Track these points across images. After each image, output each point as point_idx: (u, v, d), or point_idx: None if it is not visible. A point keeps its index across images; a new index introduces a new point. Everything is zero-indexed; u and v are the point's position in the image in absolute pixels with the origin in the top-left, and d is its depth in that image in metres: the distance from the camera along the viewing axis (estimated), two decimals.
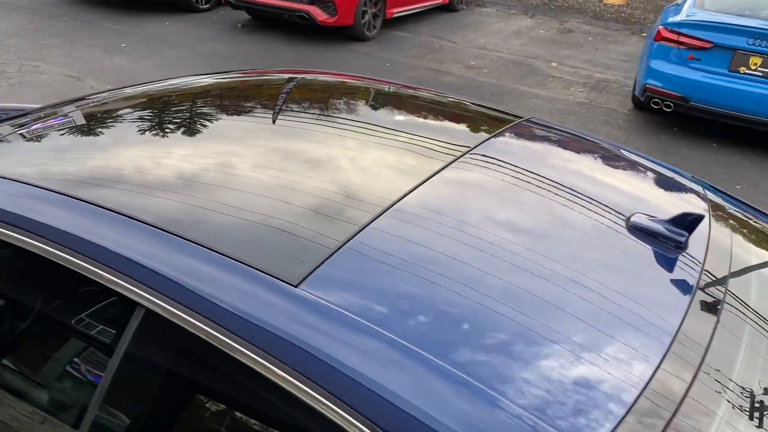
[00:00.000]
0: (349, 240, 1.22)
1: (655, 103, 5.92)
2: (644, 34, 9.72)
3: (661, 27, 5.87)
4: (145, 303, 1.15)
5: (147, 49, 7.31)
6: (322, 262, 1.16)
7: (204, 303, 1.10)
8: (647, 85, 5.89)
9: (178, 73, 6.65)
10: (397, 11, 8.73)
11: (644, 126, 6.31)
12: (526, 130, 1.83)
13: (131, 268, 1.17)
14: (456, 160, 1.53)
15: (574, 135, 1.96)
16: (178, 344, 1.16)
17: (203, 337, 1.09)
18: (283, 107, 1.94)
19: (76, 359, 1.40)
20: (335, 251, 1.19)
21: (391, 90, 2.23)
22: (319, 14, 7.74)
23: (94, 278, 1.21)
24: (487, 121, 1.99)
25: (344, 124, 1.77)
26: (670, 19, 5.86)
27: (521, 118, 1.87)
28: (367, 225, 1.26)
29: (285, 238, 1.26)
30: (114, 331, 1.26)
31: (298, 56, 7.50)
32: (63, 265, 1.24)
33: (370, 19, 8.23)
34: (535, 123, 1.90)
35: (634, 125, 6.34)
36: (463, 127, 1.98)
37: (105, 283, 1.20)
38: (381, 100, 2.12)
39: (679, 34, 5.70)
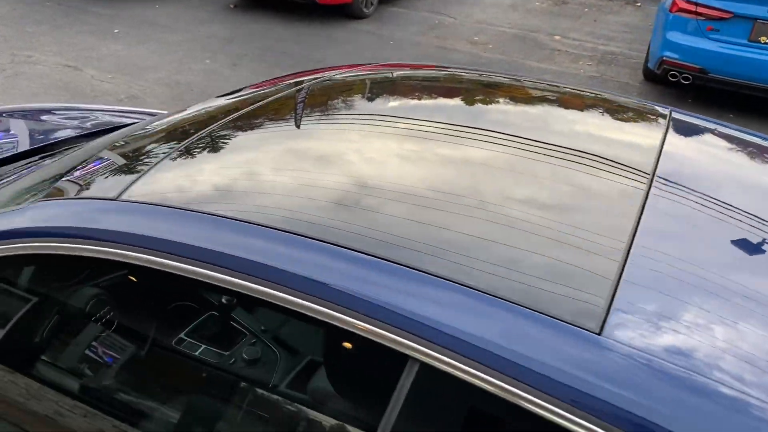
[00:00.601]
0: (621, 273, 1.10)
1: (673, 76, 5.87)
2: (639, 4, 9.67)
3: None
4: (419, 357, 1.03)
5: (141, 33, 7.00)
6: (611, 302, 1.04)
7: (493, 357, 0.99)
8: (664, 58, 5.82)
9: (179, 59, 6.40)
10: None
11: (659, 99, 6.26)
12: (689, 127, 1.72)
13: (403, 321, 1.05)
14: (655, 171, 1.43)
15: (730, 129, 1.86)
16: (466, 402, 1.04)
17: (501, 394, 0.98)
18: (447, 111, 1.76)
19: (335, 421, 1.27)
20: (616, 287, 1.07)
21: (517, 84, 2.07)
22: None
23: (361, 333, 1.08)
24: (636, 117, 1.87)
25: (504, 132, 1.61)
26: None
27: (665, 109, 1.76)
28: (628, 254, 1.15)
29: (553, 274, 1.13)
30: (380, 389, 1.12)
31: (298, 36, 7.27)
32: (315, 318, 1.11)
33: None
34: (682, 115, 1.79)
35: (649, 98, 6.28)
36: (620, 126, 1.83)
37: (375, 338, 1.07)
38: (515, 101, 1.95)
39: (697, 4, 5.63)
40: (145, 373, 1.47)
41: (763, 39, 5.47)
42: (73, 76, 5.82)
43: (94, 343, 1.48)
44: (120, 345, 1.48)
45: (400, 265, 1.12)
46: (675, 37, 5.78)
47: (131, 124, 2.82)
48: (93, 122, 3.10)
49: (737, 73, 5.56)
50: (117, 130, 2.78)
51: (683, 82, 5.85)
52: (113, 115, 3.29)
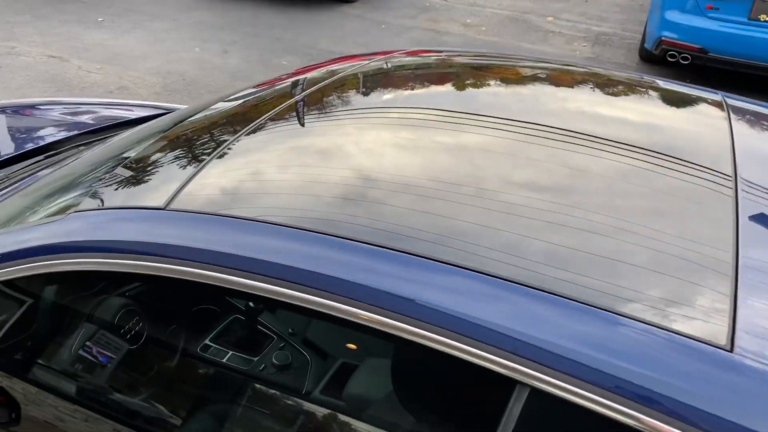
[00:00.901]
0: (737, 284, 1.02)
1: (671, 56, 5.81)
2: None
3: None
4: (528, 381, 0.94)
5: (127, 22, 6.80)
6: (735, 313, 0.96)
7: (616, 381, 0.90)
8: (663, 38, 5.75)
9: (168, 47, 6.22)
10: None
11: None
12: (750, 115, 1.64)
13: (509, 343, 0.96)
14: (736, 167, 1.33)
15: None
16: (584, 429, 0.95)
17: (627, 421, 0.90)
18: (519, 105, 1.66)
19: None
20: (735, 297, 0.99)
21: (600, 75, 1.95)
22: None
23: (465, 357, 0.99)
24: (693, 106, 1.77)
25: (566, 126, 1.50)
26: None
27: (714, 95, 1.67)
28: (737, 263, 1.07)
29: (669, 290, 1.03)
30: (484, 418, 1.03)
31: (287, 22, 7.11)
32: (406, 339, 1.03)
33: None
34: (736, 101, 1.71)
35: None
36: (680, 118, 1.70)
37: (478, 361, 0.98)
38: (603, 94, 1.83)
39: None
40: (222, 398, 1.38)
41: (762, 17, 5.42)
42: (59, 67, 5.62)
43: (153, 369, 1.38)
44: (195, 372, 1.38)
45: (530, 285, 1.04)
46: (673, 16, 5.72)
47: (138, 119, 2.69)
48: (93, 117, 2.96)
49: (737, 52, 5.52)
50: (124, 125, 2.64)
51: (682, 62, 5.79)
52: (111, 108, 3.15)
